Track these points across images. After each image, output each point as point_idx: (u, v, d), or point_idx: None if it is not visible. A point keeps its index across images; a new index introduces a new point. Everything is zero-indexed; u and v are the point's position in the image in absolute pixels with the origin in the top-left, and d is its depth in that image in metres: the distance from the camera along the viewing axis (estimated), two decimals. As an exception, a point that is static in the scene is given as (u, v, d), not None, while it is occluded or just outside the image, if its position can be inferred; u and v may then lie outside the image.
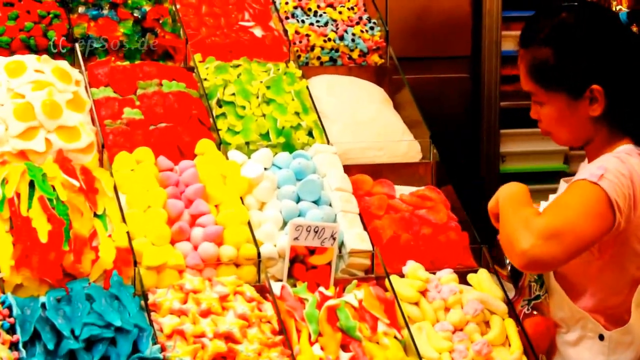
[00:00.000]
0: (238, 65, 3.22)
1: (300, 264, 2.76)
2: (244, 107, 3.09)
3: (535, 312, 2.68)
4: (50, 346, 2.33)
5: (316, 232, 2.73)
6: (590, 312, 2.50)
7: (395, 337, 2.64)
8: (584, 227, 2.28)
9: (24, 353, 2.31)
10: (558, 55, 2.41)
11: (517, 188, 2.47)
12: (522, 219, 2.31)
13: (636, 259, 2.44)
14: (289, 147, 3.06)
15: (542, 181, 5.01)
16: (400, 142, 3.27)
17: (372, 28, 3.58)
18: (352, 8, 3.62)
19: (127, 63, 3.11)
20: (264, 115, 3.10)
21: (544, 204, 2.59)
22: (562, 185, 2.59)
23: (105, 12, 3.20)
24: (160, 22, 3.24)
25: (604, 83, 2.39)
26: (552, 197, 2.58)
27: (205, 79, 3.15)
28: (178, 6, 3.33)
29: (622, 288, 2.47)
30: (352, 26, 3.55)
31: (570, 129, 2.46)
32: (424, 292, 2.76)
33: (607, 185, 2.30)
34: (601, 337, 2.49)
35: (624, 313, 2.48)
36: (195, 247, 2.70)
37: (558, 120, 2.46)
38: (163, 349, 2.42)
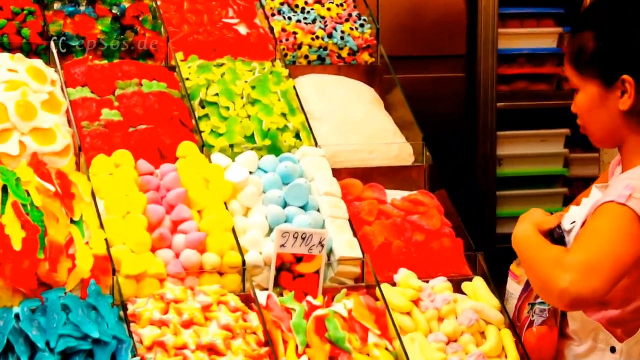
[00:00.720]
0: (222, 65, 3.22)
1: (287, 272, 2.76)
2: (228, 108, 3.09)
3: (541, 319, 2.66)
4: (24, 359, 2.32)
5: (304, 239, 2.73)
6: (607, 324, 2.50)
7: (387, 349, 2.64)
8: (620, 253, 2.29)
9: (-4, 366, 2.31)
10: (598, 38, 2.46)
11: (528, 225, 2.49)
12: (552, 258, 2.32)
13: None
14: (275, 150, 3.06)
15: (541, 185, 5.03)
16: (391, 145, 3.27)
17: (362, 25, 3.59)
18: (342, 5, 3.63)
19: (105, 62, 3.11)
20: (249, 116, 3.10)
21: (573, 209, 2.59)
22: (595, 192, 2.58)
23: (82, 8, 3.20)
24: (140, 19, 3.24)
25: (636, 75, 2.42)
26: (585, 201, 2.57)
27: (188, 79, 3.15)
28: (159, 3, 3.34)
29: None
30: (341, 23, 3.56)
31: (600, 122, 2.49)
32: (416, 302, 2.76)
33: (637, 205, 2.32)
34: (613, 350, 2.49)
35: (634, 324, 2.48)
36: (177, 255, 2.70)
37: (589, 111, 2.49)
38: (143, 362, 2.42)
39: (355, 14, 3.62)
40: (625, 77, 2.42)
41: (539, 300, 2.65)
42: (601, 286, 2.25)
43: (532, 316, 2.68)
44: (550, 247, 2.39)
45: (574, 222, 2.53)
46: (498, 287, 2.85)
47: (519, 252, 2.48)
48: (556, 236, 2.52)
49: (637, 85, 2.42)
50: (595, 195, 2.53)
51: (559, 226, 2.55)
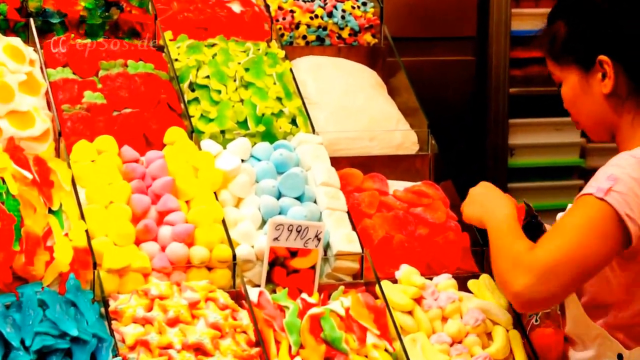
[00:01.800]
0: (213, 45, 3.21)
1: (281, 267, 2.77)
2: (219, 92, 3.09)
3: (544, 323, 2.68)
4: (-3, 358, 2.33)
5: (299, 231, 2.73)
6: (609, 329, 2.51)
7: (386, 350, 2.64)
8: (586, 253, 2.32)
9: (-33, 365, 2.31)
10: (568, 24, 2.54)
11: (506, 212, 2.53)
12: (513, 255, 2.37)
13: None
14: (269, 136, 3.06)
15: (555, 177, 5.03)
16: (394, 132, 3.27)
17: (364, 4, 3.58)
18: (343, -19, 3.62)
19: (88, 41, 3.10)
20: (241, 100, 3.10)
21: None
22: None
23: (64, -17, 3.20)
24: (126, -5, 3.24)
25: (615, 55, 2.46)
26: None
27: (177, 60, 3.14)
28: (146, -23, 3.33)
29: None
30: (342, 1, 3.56)
31: (587, 111, 2.53)
32: (418, 300, 2.76)
33: (615, 200, 2.33)
34: (620, 357, 2.50)
35: None
36: (163, 248, 2.70)
37: (574, 101, 2.55)
38: (125, 362, 2.42)
39: (357, -9, 3.61)
40: (602, 57, 2.47)
41: None
42: (557, 291, 2.31)
43: (535, 320, 2.69)
44: (516, 240, 2.42)
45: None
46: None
47: (490, 235, 2.52)
48: (534, 222, 2.63)
49: (614, 64, 2.45)
50: None
51: (535, 214, 2.63)
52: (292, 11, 3.47)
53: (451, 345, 2.69)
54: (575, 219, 2.36)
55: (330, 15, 3.51)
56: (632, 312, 2.49)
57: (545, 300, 2.34)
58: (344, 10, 3.52)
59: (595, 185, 2.37)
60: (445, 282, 2.81)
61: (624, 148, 2.52)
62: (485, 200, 2.63)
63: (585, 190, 2.38)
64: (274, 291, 2.72)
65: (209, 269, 2.71)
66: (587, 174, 5.01)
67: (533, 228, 2.63)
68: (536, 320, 2.69)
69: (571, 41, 2.52)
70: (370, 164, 3.14)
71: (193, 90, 3.09)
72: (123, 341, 2.46)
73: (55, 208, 2.65)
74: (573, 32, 2.52)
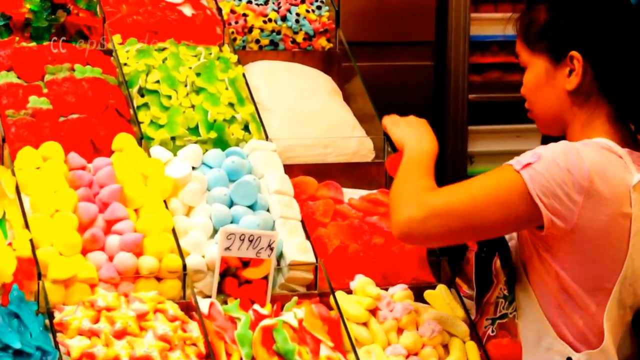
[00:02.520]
0: (164, 49, 3.21)
1: (233, 277, 2.77)
2: (169, 97, 3.08)
3: (500, 333, 2.70)
4: (-64, 372, 2.32)
5: (251, 241, 2.73)
6: (556, 329, 2.53)
7: (341, 363, 2.65)
8: (479, 212, 2.41)
9: None
10: (549, 10, 2.57)
11: (428, 148, 2.67)
12: (414, 189, 2.49)
13: (598, 268, 2.47)
14: (221, 143, 3.06)
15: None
16: (350, 139, 3.28)
17: (319, 7, 3.59)
18: (297, -16, 3.63)
19: (33, 44, 3.09)
20: (192, 106, 3.10)
21: None
22: None
23: (8, -16, 3.18)
24: (74, -3, 3.24)
25: (587, 53, 2.49)
26: None
27: (126, 64, 3.14)
28: (95, -21, 3.33)
29: (590, 305, 2.50)
30: (296, 5, 3.57)
31: (545, 102, 2.57)
32: (374, 311, 2.77)
33: (529, 176, 2.39)
34: None
35: (591, 336, 2.51)
36: (111, 258, 2.69)
37: (535, 89, 2.59)
38: (70, 376, 2.42)
39: (312, -6, 3.62)
40: (574, 53, 2.50)
41: (500, 314, 2.68)
42: (434, 234, 2.44)
43: (492, 331, 2.71)
44: (425, 177, 2.55)
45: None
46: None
47: (406, 159, 2.65)
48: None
49: (584, 63, 2.49)
50: None
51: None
52: (244, 15, 3.47)
53: (407, 357, 2.70)
54: (485, 179, 2.46)
55: (284, 19, 3.52)
56: (572, 311, 2.51)
57: (421, 237, 2.46)
58: (298, 14, 3.53)
59: (518, 158, 2.44)
60: (401, 292, 2.82)
61: None
62: (413, 128, 2.75)
63: (509, 161, 2.44)
64: (225, 302, 2.72)
65: (158, 279, 2.70)
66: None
67: (482, 262, 2.66)
68: (492, 331, 2.71)
69: (548, 29, 2.55)
70: (325, 172, 3.14)
71: (142, 96, 3.09)
72: (68, 354, 2.45)
73: (-2, 217, 2.65)
74: (552, 21, 2.55)
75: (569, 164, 2.40)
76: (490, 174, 2.47)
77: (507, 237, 2.64)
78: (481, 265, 2.70)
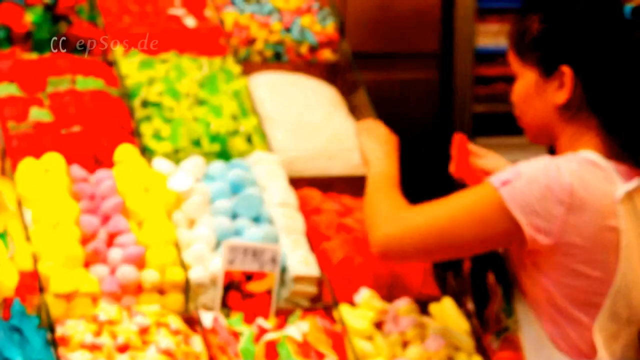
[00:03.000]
0: (166, 61, 3.22)
1: (236, 291, 2.77)
2: (172, 109, 3.09)
3: (503, 346, 2.69)
4: (-62, 387, 2.32)
5: (254, 254, 2.74)
6: (553, 341, 2.53)
7: (345, 377, 2.66)
8: (455, 230, 2.40)
9: None
10: (543, 21, 2.53)
11: (392, 171, 2.72)
12: (390, 206, 2.53)
13: (585, 283, 2.47)
14: (224, 155, 3.07)
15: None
16: (354, 151, 3.28)
17: (324, 19, 3.60)
18: (301, -5, 3.65)
19: (35, 56, 3.10)
20: (195, 118, 3.11)
21: None
22: None
23: (9, -4, 3.20)
24: (75, 9, 3.24)
25: (578, 69, 2.48)
26: None
27: (128, 76, 3.15)
28: (96, -10, 3.35)
29: (578, 316, 2.50)
30: (300, 16, 3.57)
31: (534, 114, 2.56)
32: (379, 325, 2.77)
33: (508, 193, 2.38)
34: None
35: (587, 350, 2.51)
36: (113, 271, 2.69)
37: (524, 100, 2.56)
38: (72, 390, 2.42)
39: (315, 5, 3.63)
40: (564, 67, 2.48)
41: (502, 328, 2.68)
42: (411, 252, 2.46)
43: (496, 345, 2.71)
44: (397, 195, 2.59)
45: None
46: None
47: (370, 182, 2.70)
48: (495, 254, 2.62)
49: (575, 78, 2.49)
50: None
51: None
52: (248, 26, 3.48)
53: (412, 371, 2.71)
54: (463, 196, 2.45)
55: (288, 30, 3.53)
56: (565, 324, 2.51)
57: (398, 255, 2.48)
58: (302, 26, 3.54)
59: (499, 174, 2.43)
60: (406, 306, 2.82)
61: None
62: (380, 146, 2.81)
63: (489, 178, 2.44)
64: (228, 316, 2.72)
65: (161, 293, 2.71)
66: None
67: (476, 278, 2.67)
68: (496, 346, 2.71)
69: (541, 41, 2.51)
70: (329, 184, 3.15)
71: (145, 107, 3.10)
72: (70, 368, 2.46)
73: (-1, 230, 2.65)
74: (546, 32, 2.51)
75: (549, 180, 2.39)
76: (470, 191, 2.47)
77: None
78: (476, 281, 2.70)
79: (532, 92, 2.55)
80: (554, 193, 2.38)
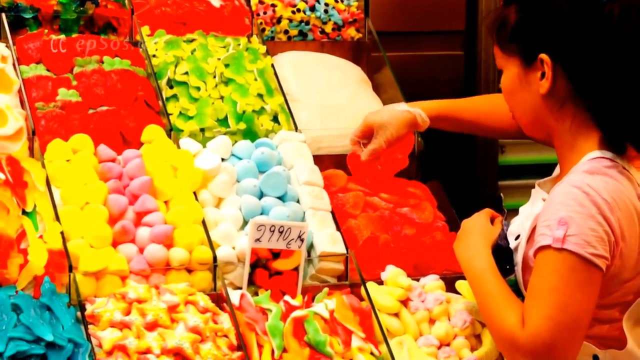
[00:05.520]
0: (192, 40, 3.23)
1: (263, 269, 2.78)
2: (198, 88, 3.10)
3: None
4: (-30, 364, 2.34)
5: (281, 232, 2.74)
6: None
7: (372, 354, 2.66)
8: (573, 311, 2.35)
9: (-62, 372, 2.32)
10: (519, 11, 2.51)
11: (485, 261, 2.57)
12: (507, 334, 2.40)
13: (627, 285, 2.48)
14: (250, 134, 3.07)
15: (546, 174, 5.03)
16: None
17: (348, -3, 3.60)
18: (326, -27, 3.64)
19: (62, 37, 3.11)
20: (221, 97, 3.11)
21: (521, 213, 2.64)
22: (536, 191, 2.63)
23: (36, -23, 3.21)
24: (102, -11, 3.25)
25: (556, 56, 2.45)
26: (524, 210, 2.63)
27: (154, 56, 3.15)
28: (122, -29, 3.35)
29: (614, 314, 2.50)
30: (325, -5, 3.57)
31: (523, 106, 2.54)
32: (405, 302, 2.78)
33: (575, 245, 2.35)
34: (595, 358, 2.52)
35: (619, 335, 2.50)
36: (141, 250, 2.71)
37: (511, 93, 2.55)
38: (102, 368, 2.44)
39: (340, -16, 3.62)
40: (543, 55, 2.45)
41: None
42: (568, 355, 2.36)
43: None
44: (506, 309, 2.43)
45: (517, 240, 2.60)
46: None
47: (473, 289, 2.57)
48: (503, 246, 2.62)
49: (554, 66, 2.45)
50: (536, 203, 2.57)
51: (505, 236, 2.64)
52: (273, 5, 3.48)
53: (439, 348, 2.71)
54: (547, 280, 2.38)
55: (312, 9, 3.52)
56: (613, 326, 2.50)
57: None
58: (327, 4, 3.54)
59: (549, 233, 2.38)
60: (432, 283, 2.83)
61: (564, 156, 2.54)
62: (464, 244, 2.66)
63: (542, 242, 2.39)
64: (256, 293, 2.73)
65: (189, 271, 2.72)
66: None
67: (501, 253, 2.64)
68: None
69: (518, 31, 2.49)
70: (354, 163, 3.15)
71: (171, 87, 3.11)
72: (100, 346, 2.47)
73: (29, 209, 2.66)
74: (521, 22, 2.49)
75: (591, 210, 2.37)
76: (543, 271, 2.39)
77: (512, 244, 2.63)
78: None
79: (517, 84, 2.52)
80: (606, 214, 2.37)
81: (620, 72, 2.42)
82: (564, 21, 2.45)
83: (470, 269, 2.58)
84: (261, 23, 3.45)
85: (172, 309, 2.56)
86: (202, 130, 3.04)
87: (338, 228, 2.90)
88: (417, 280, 2.84)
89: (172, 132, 2.98)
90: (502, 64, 2.56)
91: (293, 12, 3.49)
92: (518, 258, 2.58)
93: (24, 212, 2.66)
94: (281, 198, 2.92)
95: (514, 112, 2.59)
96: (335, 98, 3.30)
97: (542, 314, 2.35)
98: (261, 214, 2.87)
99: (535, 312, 2.37)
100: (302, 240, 2.76)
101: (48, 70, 3.01)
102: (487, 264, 2.55)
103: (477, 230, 2.64)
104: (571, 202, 2.38)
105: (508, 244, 2.62)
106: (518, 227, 2.61)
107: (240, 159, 2.97)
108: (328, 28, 3.53)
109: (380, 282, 2.83)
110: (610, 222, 2.38)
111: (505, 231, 2.65)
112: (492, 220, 2.69)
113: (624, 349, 2.50)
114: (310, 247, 2.85)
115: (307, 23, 3.52)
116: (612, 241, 2.38)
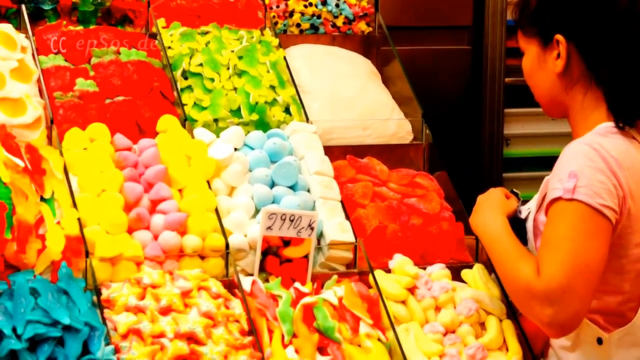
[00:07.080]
0: (206, 32, 3.23)
1: (274, 256, 2.78)
2: (212, 80, 3.10)
3: None
4: (-11, 346, 2.35)
5: (292, 220, 2.75)
6: (587, 313, 2.53)
7: (379, 340, 2.66)
8: (587, 258, 2.36)
9: (-42, 354, 2.33)
10: None
11: (501, 227, 2.58)
12: (524, 285, 2.40)
13: (636, 251, 2.49)
14: (262, 125, 3.08)
15: (550, 167, 5.02)
16: (388, 121, 3.29)
17: (359, -8, 3.60)
18: (337, -31, 3.64)
19: (80, 28, 3.12)
20: (235, 89, 3.12)
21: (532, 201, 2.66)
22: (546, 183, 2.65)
23: (55, -30, 3.21)
24: (119, -18, 3.26)
25: (570, 36, 2.52)
26: (535, 199, 2.65)
27: (169, 47, 3.16)
28: (139, -36, 3.35)
29: (623, 284, 2.51)
30: (336, -11, 3.57)
31: (541, 86, 2.60)
32: (412, 290, 2.78)
33: (584, 195, 2.38)
34: (599, 341, 2.52)
35: (626, 311, 2.52)
36: (156, 237, 2.72)
37: (531, 74, 2.62)
38: (117, 351, 2.44)
39: (351, -21, 3.63)
40: (558, 36, 2.52)
41: None
42: (580, 308, 2.36)
43: None
44: (521, 262, 2.45)
45: (529, 209, 2.64)
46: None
47: (490, 251, 2.58)
48: (519, 218, 2.65)
49: (569, 45, 2.51)
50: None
51: (519, 210, 2.67)
52: (286, -1, 3.49)
53: (444, 335, 2.71)
54: (559, 229, 2.40)
55: (324, 3, 3.53)
56: (606, 295, 2.51)
57: (574, 319, 2.38)
58: (338, -1, 3.55)
59: (559, 186, 2.41)
60: (438, 271, 2.84)
61: (576, 130, 2.58)
62: (479, 214, 2.67)
63: (553, 194, 2.42)
64: (267, 280, 2.74)
65: (202, 257, 2.73)
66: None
67: (517, 225, 2.66)
68: None
69: (537, 13, 2.56)
70: (364, 153, 3.15)
71: (186, 78, 3.11)
72: (115, 330, 2.48)
73: (47, 196, 2.67)
74: (541, 5, 2.56)
75: (599, 164, 2.40)
76: (555, 222, 2.41)
77: (524, 215, 2.66)
78: None
79: (536, 65, 2.59)
80: (614, 170, 2.40)
81: (630, 49, 2.49)
82: (580, 3, 2.50)
83: (486, 233, 2.61)
84: (274, 16, 3.46)
85: (186, 294, 2.57)
86: (216, 120, 3.05)
87: (347, 217, 2.91)
88: (424, 268, 2.85)
89: (186, 122, 2.98)
90: (523, 46, 2.63)
91: (305, 6, 3.50)
92: (529, 224, 2.61)
93: (42, 199, 2.66)
94: (292, 187, 2.92)
95: (535, 93, 2.65)
96: (345, 90, 3.31)
97: (556, 260, 2.37)
98: (272, 202, 2.87)
99: (549, 259, 2.38)
100: (312, 229, 2.77)
101: (66, 60, 3.02)
102: (502, 227, 2.58)
103: (493, 201, 2.68)
104: (581, 157, 2.43)
105: (521, 218, 2.66)
106: (529, 205, 2.65)
107: (252, 149, 2.98)
108: (339, 22, 3.54)
109: (388, 270, 2.84)
110: (618, 177, 2.42)
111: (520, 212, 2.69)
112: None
113: (628, 324, 2.51)
114: (320, 236, 2.86)
115: (319, 17, 3.52)
116: (621, 195, 2.42)
